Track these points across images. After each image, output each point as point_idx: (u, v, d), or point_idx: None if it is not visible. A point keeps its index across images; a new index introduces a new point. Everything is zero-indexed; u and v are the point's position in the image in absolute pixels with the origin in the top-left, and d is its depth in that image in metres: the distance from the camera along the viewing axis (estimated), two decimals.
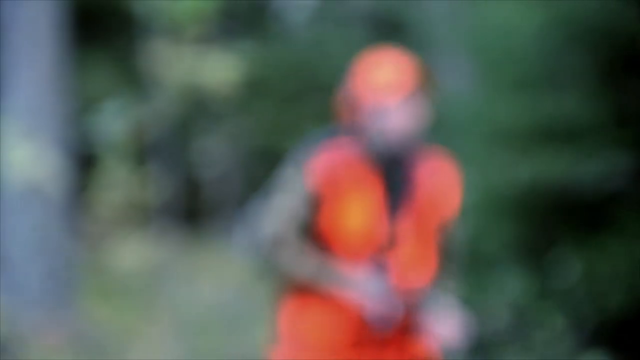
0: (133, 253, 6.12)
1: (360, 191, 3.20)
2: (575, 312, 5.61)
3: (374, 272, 3.18)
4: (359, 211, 3.19)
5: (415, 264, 3.23)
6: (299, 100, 11.91)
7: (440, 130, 7.08)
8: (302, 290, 3.22)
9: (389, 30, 12.00)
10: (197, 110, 9.60)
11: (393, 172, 3.24)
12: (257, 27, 12.12)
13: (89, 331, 7.45)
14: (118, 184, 5.93)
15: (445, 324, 3.20)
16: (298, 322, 3.24)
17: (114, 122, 6.10)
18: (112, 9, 10.29)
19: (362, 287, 3.17)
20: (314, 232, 3.22)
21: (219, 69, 6.33)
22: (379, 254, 3.19)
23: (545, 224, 5.77)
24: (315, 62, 11.61)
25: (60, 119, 6.87)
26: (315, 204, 3.21)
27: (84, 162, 9.16)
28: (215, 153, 10.56)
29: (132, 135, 6.09)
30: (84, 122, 6.06)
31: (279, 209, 3.24)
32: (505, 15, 5.92)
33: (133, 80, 9.74)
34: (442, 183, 3.31)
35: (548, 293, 5.71)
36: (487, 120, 5.82)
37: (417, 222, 3.24)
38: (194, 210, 10.20)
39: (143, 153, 6.63)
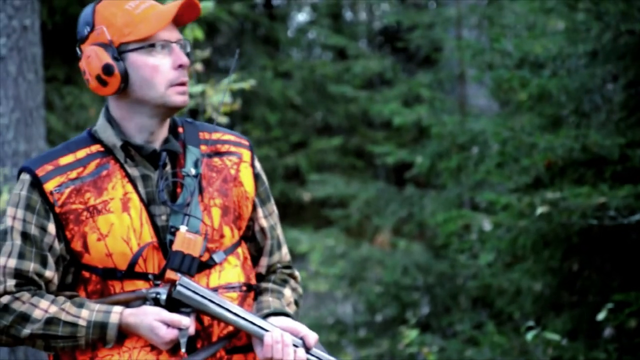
0: None
1: (110, 199, 2.53)
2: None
3: (151, 294, 2.54)
4: (113, 223, 2.52)
5: (215, 266, 2.60)
6: None
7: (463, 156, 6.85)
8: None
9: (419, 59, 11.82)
10: None
11: (153, 169, 2.59)
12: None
13: None
14: None
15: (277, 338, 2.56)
16: None
17: None
18: None
19: (139, 320, 2.52)
20: (70, 261, 2.55)
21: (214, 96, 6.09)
22: (159, 265, 2.55)
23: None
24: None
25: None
26: (58, 225, 2.52)
27: None
28: None
29: None
30: None
31: (13, 239, 2.52)
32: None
33: None
34: (234, 169, 2.66)
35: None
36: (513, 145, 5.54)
37: (208, 218, 2.60)
38: None
39: None
